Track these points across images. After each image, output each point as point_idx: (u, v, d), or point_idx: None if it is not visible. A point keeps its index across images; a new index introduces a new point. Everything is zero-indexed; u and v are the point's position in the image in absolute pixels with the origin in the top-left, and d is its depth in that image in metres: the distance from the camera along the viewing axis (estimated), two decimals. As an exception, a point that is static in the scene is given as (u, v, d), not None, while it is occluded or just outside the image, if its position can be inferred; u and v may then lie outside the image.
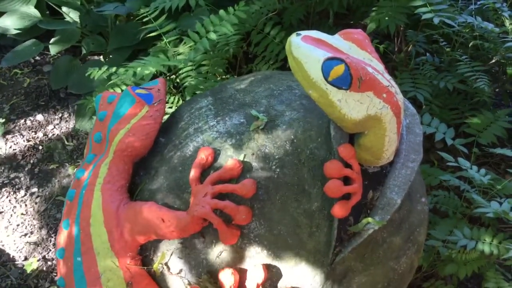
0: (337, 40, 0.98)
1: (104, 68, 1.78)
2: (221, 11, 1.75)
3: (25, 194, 2.04)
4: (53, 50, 2.34)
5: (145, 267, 1.10)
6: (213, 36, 1.68)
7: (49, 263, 1.84)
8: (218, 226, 0.99)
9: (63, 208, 1.16)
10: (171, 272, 1.08)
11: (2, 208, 1.99)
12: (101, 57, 2.47)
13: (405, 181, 1.04)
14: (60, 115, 2.31)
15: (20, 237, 1.91)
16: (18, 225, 1.95)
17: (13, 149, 2.18)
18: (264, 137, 1.06)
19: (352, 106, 0.93)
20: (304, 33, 0.96)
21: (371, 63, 0.96)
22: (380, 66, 0.98)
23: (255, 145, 1.05)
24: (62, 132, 2.25)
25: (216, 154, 1.06)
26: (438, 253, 1.52)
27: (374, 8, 1.80)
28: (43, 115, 2.31)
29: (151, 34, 1.84)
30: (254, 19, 1.92)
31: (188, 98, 1.79)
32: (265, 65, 2.03)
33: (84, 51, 2.40)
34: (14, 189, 2.06)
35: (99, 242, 1.07)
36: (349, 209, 0.99)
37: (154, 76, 2.02)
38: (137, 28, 2.03)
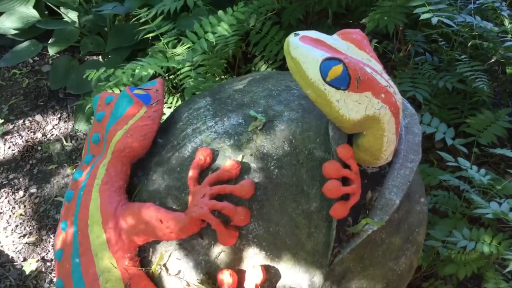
0: (335, 40, 0.97)
1: (102, 69, 1.77)
2: (220, 12, 1.75)
3: (24, 195, 2.04)
4: (51, 50, 2.34)
5: (144, 268, 1.10)
6: (211, 37, 1.68)
7: (48, 264, 1.84)
8: (216, 227, 0.99)
9: (61, 209, 1.16)
10: (169, 273, 1.08)
11: (1, 209, 1.99)
12: (100, 57, 2.47)
13: (404, 182, 1.03)
14: (59, 115, 2.31)
15: (19, 238, 1.91)
16: (17, 226, 1.95)
17: (12, 150, 2.18)
18: (263, 138, 1.05)
19: (350, 106, 0.93)
20: (302, 33, 0.96)
21: (369, 63, 0.96)
22: (379, 66, 0.98)
23: (253, 145, 1.05)
24: (61, 133, 2.24)
25: (214, 154, 1.06)
26: (438, 253, 1.52)
27: (373, 8, 1.80)
28: (42, 116, 2.31)
29: (149, 35, 1.84)
30: (252, 19, 1.92)
31: (187, 98, 1.79)
32: (264, 65, 2.03)
33: (82, 51, 2.39)
34: (13, 189, 2.05)
35: (97, 244, 1.06)
36: (347, 209, 0.99)
37: (153, 77, 2.02)
38: (136, 28, 2.02)
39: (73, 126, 2.25)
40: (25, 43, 2.31)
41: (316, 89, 0.92)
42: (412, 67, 2.00)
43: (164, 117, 1.34)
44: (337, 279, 1.05)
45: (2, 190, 2.05)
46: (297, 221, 1.01)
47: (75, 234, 1.08)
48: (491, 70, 2.16)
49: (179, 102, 1.92)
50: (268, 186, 1.02)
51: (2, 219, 1.96)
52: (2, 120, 2.26)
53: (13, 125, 2.27)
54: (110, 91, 1.80)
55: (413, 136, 1.10)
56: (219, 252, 1.04)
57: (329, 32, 2.11)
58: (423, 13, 1.61)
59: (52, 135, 2.24)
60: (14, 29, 2.28)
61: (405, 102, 1.15)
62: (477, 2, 2.02)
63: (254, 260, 1.03)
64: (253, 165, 1.03)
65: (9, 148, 2.19)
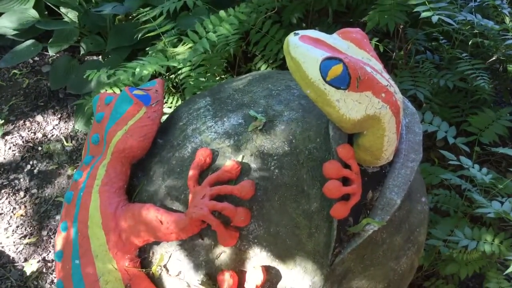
0: (335, 39, 0.97)
1: (103, 70, 1.77)
2: (221, 12, 1.74)
3: (25, 196, 2.04)
4: (51, 50, 2.34)
5: (144, 269, 1.09)
6: (212, 36, 1.68)
7: (49, 264, 1.83)
8: (216, 228, 0.98)
9: (61, 210, 1.16)
10: (170, 274, 1.07)
11: (2, 209, 1.99)
12: (100, 57, 2.47)
13: (405, 181, 1.03)
14: (59, 115, 2.31)
15: (20, 238, 1.91)
16: (17, 226, 1.94)
17: (13, 151, 2.18)
18: (263, 138, 1.05)
19: (350, 106, 0.92)
20: (302, 32, 0.95)
21: (369, 62, 0.95)
22: (379, 66, 0.97)
23: (253, 145, 1.05)
24: (61, 133, 2.24)
25: (214, 155, 1.06)
26: (439, 252, 1.51)
27: (373, 6, 1.79)
28: (42, 116, 2.30)
29: (149, 34, 1.83)
30: (253, 18, 1.92)
31: (187, 98, 1.78)
32: (264, 64, 2.02)
33: (82, 51, 2.39)
34: (13, 190, 2.05)
35: (97, 245, 1.06)
36: (348, 209, 0.98)
37: (153, 76, 2.02)
38: (136, 28, 2.02)
39: (73, 126, 2.25)
40: (25, 44, 2.31)
41: (316, 88, 0.92)
42: (413, 65, 1.99)
43: (164, 117, 1.34)
44: (338, 279, 1.05)
45: (2, 191, 2.05)
46: (297, 222, 1.01)
47: (75, 235, 1.08)
48: (492, 68, 2.15)
49: (179, 102, 1.92)
50: (268, 186, 1.02)
51: (2, 219, 1.96)
52: (3, 121, 2.26)
53: (13, 125, 2.27)
54: (110, 91, 1.80)
55: (414, 136, 1.09)
56: (220, 253, 1.03)
57: (330, 30, 2.11)
58: (423, 11, 1.60)
59: (52, 135, 2.24)
60: (14, 29, 2.27)
61: (405, 101, 1.15)
62: (478, 0, 2.01)
63: (254, 261, 1.02)
64: (253, 166, 1.03)
65: (10, 148, 2.19)
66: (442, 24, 1.83)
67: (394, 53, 2.09)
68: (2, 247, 1.88)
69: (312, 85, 0.92)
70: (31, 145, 2.20)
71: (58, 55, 2.48)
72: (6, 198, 2.02)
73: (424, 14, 1.60)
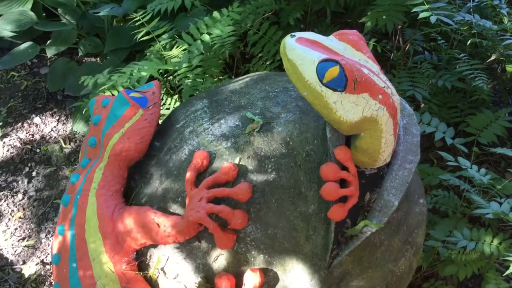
0: (332, 41, 0.97)
1: (98, 75, 1.77)
2: (215, 13, 1.74)
3: (23, 198, 2.03)
4: (49, 52, 2.33)
5: (141, 272, 1.09)
6: (207, 38, 1.67)
7: (47, 267, 1.83)
8: (213, 231, 0.98)
9: (58, 213, 1.15)
10: (167, 277, 1.07)
11: (0, 212, 1.99)
12: (98, 58, 2.46)
13: (403, 183, 1.02)
14: (57, 117, 2.30)
15: (18, 241, 1.91)
16: (16, 229, 1.94)
17: (11, 153, 2.18)
18: (260, 140, 1.05)
19: (347, 108, 0.92)
20: (298, 34, 0.95)
21: (366, 64, 0.95)
22: (376, 67, 0.97)
23: (250, 148, 1.04)
24: (60, 135, 2.24)
25: (211, 157, 1.05)
26: (438, 253, 1.51)
27: (371, 7, 1.79)
28: (40, 118, 2.30)
29: (146, 37, 1.83)
30: (250, 19, 1.91)
31: (185, 99, 1.78)
32: (262, 65, 2.02)
33: (80, 53, 2.39)
34: (11, 192, 2.05)
35: (94, 248, 1.06)
36: (346, 211, 0.98)
37: (151, 77, 2.01)
38: (134, 30, 2.02)
39: (72, 128, 2.25)
40: (23, 45, 2.30)
41: (312, 90, 0.91)
42: (411, 66, 1.99)
43: (162, 119, 1.33)
44: (335, 281, 1.04)
45: (1, 193, 2.04)
46: (295, 224, 1.00)
47: (72, 239, 1.08)
48: (490, 68, 2.15)
49: (177, 103, 1.92)
50: (265, 188, 1.01)
51: (1, 222, 1.96)
52: (1, 123, 2.26)
53: (11, 127, 2.27)
54: (108, 93, 1.79)
55: (412, 137, 1.09)
56: (217, 256, 1.03)
57: (328, 31, 2.11)
58: (421, 11, 1.60)
59: (50, 137, 2.24)
60: (12, 31, 2.27)
61: (403, 102, 1.14)
62: (476, 0, 2.01)
63: (251, 263, 1.02)
64: (250, 168, 1.03)
65: (8, 151, 2.18)
66: (441, 24, 1.83)
67: (393, 54, 2.09)
68: (1, 249, 1.88)
69: (308, 87, 0.92)
70: (29, 147, 2.20)
71: (56, 57, 2.48)
72: (5, 201, 2.02)
73: (422, 15, 1.60)
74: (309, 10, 2.11)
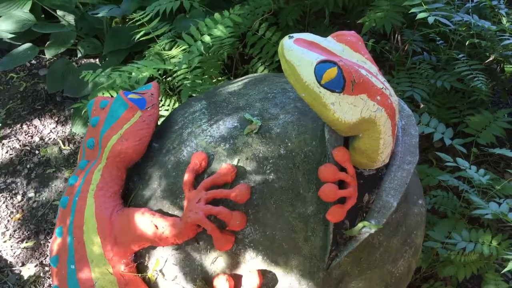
0: (330, 42, 0.97)
1: (99, 71, 1.76)
2: (216, 14, 1.74)
3: (22, 199, 2.03)
4: (48, 53, 2.33)
5: (140, 274, 1.09)
6: (207, 39, 1.67)
7: (47, 268, 1.83)
8: (212, 232, 0.98)
9: (57, 215, 1.15)
10: (166, 279, 1.07)
11: (-1, 213, 1.99)
12: (97, 60, 2.46)
13: (401, 184, 1.02)
14: (56, 119, 2.30)
15: (17, 242, 1.90)
16: (15, 230, 1.94)
17: (10, 154, 2.17)
18: (258, 141, 1.05)
19: (345, 109, 0.92)
20: (296, 35, 0.95)
21: (364, 65, 0.95)
22: (374, 68, 0.97)
23: (249, 149, 1.04)
24: (59, 136, 2.24)
25: (209, 158, 1.05)
26: (437, 253, 1.51)
27: (370, 8, 1.79)
28: (39, 119, 2.30)
29: (145, 37, 1.83)
30: (249, 20, 1.91)
31: (184, 100, 1.78)
32: (261, 66, 2.02)
33: (79, 54, 2.39)
34: (10, 194, 2.05)
35: (92, 250, 1.06)
36: (344, 213, 0.98)
37: (150, 79, 2.01)
38: (133, 31, 2.02)
39: (71, 129, 2.25)
40: (22, 47, 2.30)
41: (311, 92, 0.91)
42: (410, 66, 1.99)
43: (160, 120, 1.33)
44: (334, 282, 1.04)
45: (0, 195, 2.04)
46: (293, 225, 1.00)
47: (70, 241, 1.08)
48: (489, 69, 2.15)
49: (176, 104, 1.91)
50: (264, 190, 1.01)
51: (0, 223, 1.95)
52: (0, 125, 2.26)
53: (10, 129, 2.26)
54: (107, 94, 1.79)
55: (410, 138, 1.09)
56: (215, 257, 1.03)
57: (326, 32, 2.11)
58: (419, 12, 1.60)
59: (49, 139, 2.24)
60: (11, 32, 2.27)
61: (401, 103, 1.14)
62: (475, 0, 2.01)
63: (250, 264, 1.02)
64: (249, 169, 1.03)
65: (7, 152, 2.18)
66: (439, 25, 1.83)
67: (391, 55, 2.09)
68: (0, 251, 1.88)
69: (307, 88, 0.91)
70: (28, 148, 2.19)
71: (55, 58, 2.48)
72: (4, 202, 2.02)
73: (420, 15, 1.60)
74: (307, 11, 2.11)
